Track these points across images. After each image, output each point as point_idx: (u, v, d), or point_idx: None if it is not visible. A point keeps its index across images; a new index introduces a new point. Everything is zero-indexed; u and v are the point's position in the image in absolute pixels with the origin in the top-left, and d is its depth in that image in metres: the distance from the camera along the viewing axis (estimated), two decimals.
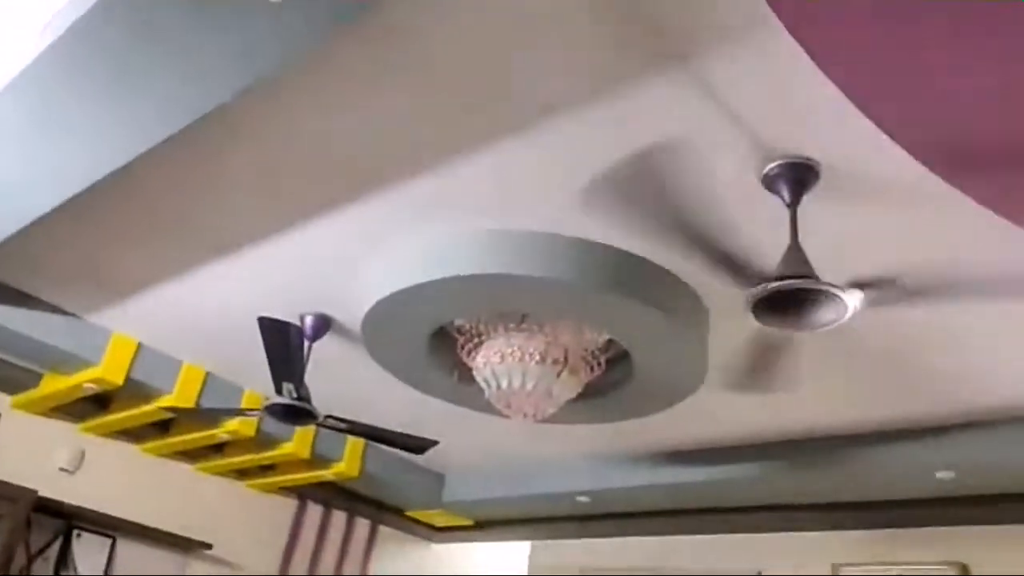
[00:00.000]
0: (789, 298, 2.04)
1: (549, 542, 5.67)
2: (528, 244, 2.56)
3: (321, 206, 2.58)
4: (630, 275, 2.60)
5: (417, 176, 2.37)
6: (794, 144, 2.06)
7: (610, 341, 2.98)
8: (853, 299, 1.99)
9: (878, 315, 2.17)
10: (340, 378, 3.67)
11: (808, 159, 2.09)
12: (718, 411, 3.59)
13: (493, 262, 2.57)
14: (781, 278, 2.05)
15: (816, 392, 3.32)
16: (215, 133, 2.23)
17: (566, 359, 2.89)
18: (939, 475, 3.60)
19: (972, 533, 4.09)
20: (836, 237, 2.32)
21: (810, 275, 2.03)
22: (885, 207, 2.22)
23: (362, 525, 5.51)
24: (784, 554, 4.68)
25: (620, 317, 2.71)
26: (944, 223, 2.23)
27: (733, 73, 1.85)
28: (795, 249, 2.10)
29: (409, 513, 5.51)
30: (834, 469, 3.78)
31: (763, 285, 2.03)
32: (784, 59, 1.73)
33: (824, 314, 2.04)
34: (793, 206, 2.14)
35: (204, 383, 3.88)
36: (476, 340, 2.96)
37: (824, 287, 1.99)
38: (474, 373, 3.01)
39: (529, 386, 2.87)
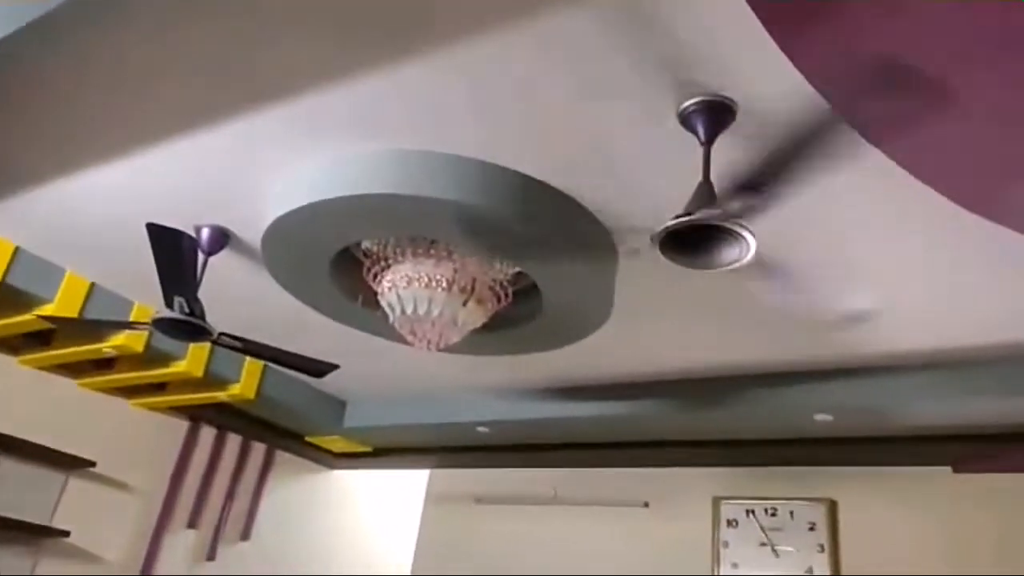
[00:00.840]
0: (696, 235, 2.05)
1: (447, 471, 5.73)
2: (437, 166, 2.46)
3: (223, 114, 2.39)
4: (541, 205, 2.55)
5: (323, 91, 2.23)
6: (714, 83, 2.04)
7: (519, 273, 2.95)
8: (750, 243, 2.01)
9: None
10: (238, 296, 3.52)
11: (726, 98, 2.08)
12: (615, 348, 3.65)
13: (399, 182, 2.47)
14: (688, 213, 2.05)
15: (707, 333, 3.42)
16: (97, 20, 2.02)
17: (473, 288, 2.85)
18: (818, 418, 3.80)
19: (843, 473, 4.37)
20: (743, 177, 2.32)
21: (717, 212, 2.04)
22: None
23: (258, 450, 5.41)
24: (669, 487, 4.90)
25: (529, 248, 2.67)
26: (850, 179, 2.28)
27: (663, 8, 1.80)
28: (705, 186, 2.09)
29: (308, 439, 5.44)
30: (720, 409, 3.93)
31: (672, 220, 2.04)
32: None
33: (728, 252, 2.06)
34: (707, 144, 2.13)
35: (89, 293, 3.64)
36: (383, 264, 2.87)
37: (728, 224, 2.00)
38: (379, 298, 2.93)
39: (435, 313, 2.82)
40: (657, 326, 3.41)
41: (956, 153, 1.85)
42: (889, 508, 4.19)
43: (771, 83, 1.96)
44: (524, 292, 3.01)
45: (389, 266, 2.85)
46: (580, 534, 4.96)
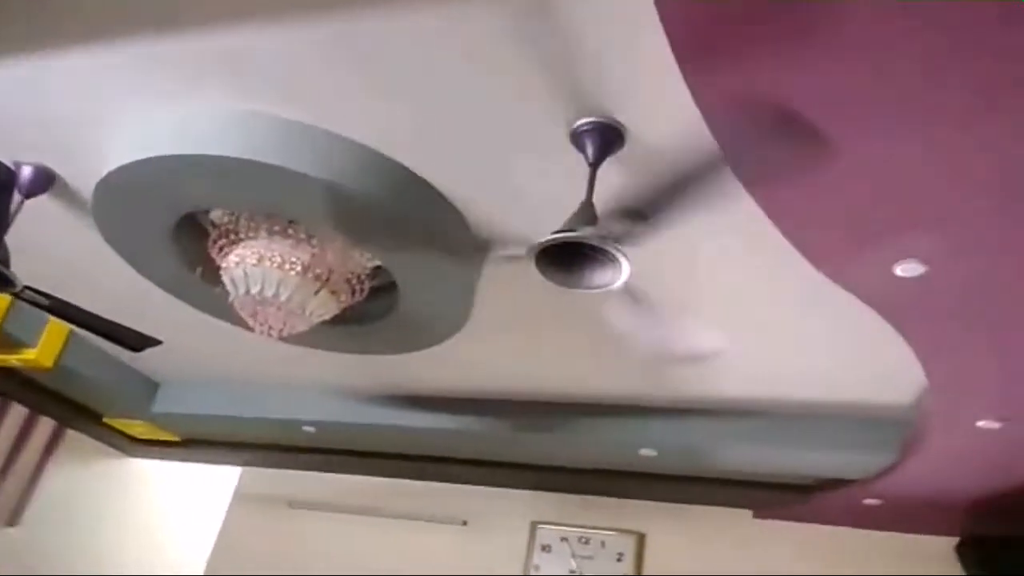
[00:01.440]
0: (572, 253, 2.04)
1: (262, 470, 5.37)
2: (311, 140, 2.29)
3: (70, 40, 2.11)
4: (416, 202, 2.45)
5: (197, 32, 2.02)
6: (608, 107, 2.04)
7: (378, 268, 2.82)
8: (624, 268, 2.02)
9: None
10: (55, 248, 3.12)
11: (617, 123, 2.09)
12: (461, 361, 3.58)
13: (263, 149, 2.27)
14: (566, 230, 2.03)
15: (556, 356, 3.44)
16: None
17: (329, 277, 2.68)
18: (642, 452, 3.92)
19: (655, 507, 4.53)
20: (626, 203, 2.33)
21: (595, 232, 2.03)
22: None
23: (45, 425, 4.81)
24: (490, 507, 4.86)
25: (396, 244, 2.55)
26: (720, 222, 2.36)
27: (573, 23, 1.78)
28: (587, 206, 2.08)
29: (107, 420, 4.91)
30: (552, 433, 3.96)
31: (550, 236, 2.01)
32: (619, 23, 1.70)
33: (601, 275, 2.05)
34: (594, 166, 2.13)
35: None
36: (232, 237, 2.64)
37: (605, 245, 1.99)
38: (222, 272, 2.69)
39: (283, 297, 2.62)
40: (509, 343, 3.38)
41: (817, 210, 1.95)
42: (693, 545, 4.38)
43: (664, 116, 2.00)
44: (381, 289, 2.87)
45: (240, 240, 2.62)
46: (396, 548, 4.81)
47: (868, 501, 3.75)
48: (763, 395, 3.47)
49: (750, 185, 1.91)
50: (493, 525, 4.81)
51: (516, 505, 4.81)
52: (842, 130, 1.66)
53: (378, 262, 2.77)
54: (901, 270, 2.07)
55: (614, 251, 1.98)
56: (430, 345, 3.13)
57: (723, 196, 1.88)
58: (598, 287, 2.07)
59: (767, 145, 1.73)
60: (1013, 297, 2.12)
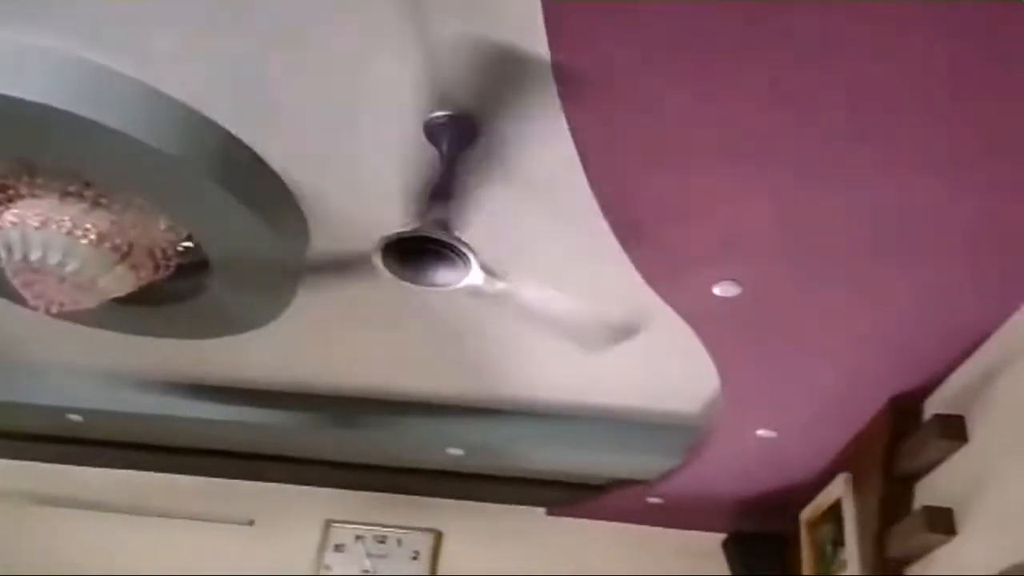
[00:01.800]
0: (418, 250, 1.96)
1: (15, 463, 4.64)
2: (114, 87, 2.01)
3: None
4: (243, 175, 2.23)
5: None
6: (466, 101, 1.99)
7: (190, 247, 2.54)
8: (475, 270, 1.98)
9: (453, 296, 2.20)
10: None
11: (474, 118, 2.04)
12: (259, 350, 3.34)
13: (55, 92, 1.95)
14: (415, 226, 1.96)
15: (365, 352, 3.32)
16: None
17: (130, 250, 2.37)
18: (449, 451, 3.91)
19: (452, 505, 4.53)
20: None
21: (441, 229, 1.97)
22: (530, 202, 2.30)
23: None
24: (280, 505, 4.59)
25: (211, 217, 2.30)
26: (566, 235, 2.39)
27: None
28: (439, 200, 2.02)
29: None
30: (355, 430, 3.83)
31: (399, 230, 1.92)
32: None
33: (448, 274, 2.00)
34: (447, 160, 2.06)
35: None
36: (11, 192, 2.24)
37: (455, 243, 1.94)
38: None
39: (70, 268, 2.27)
40: (316, 335, 3.21)
41: (654, 232, 2.04)
42: (488, 543, 4.44)
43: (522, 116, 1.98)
44: (189, 268, 2.59)
45: (21, 197, 2.23)
46: (170, 549, 4.37)
47: (652, 500, 4.03)
48: (567, 399, 3.58)
49: (605, 210, 1.97)
50: (283, 524, 4.54)
51: (310, 503, 4.58)
52: (683, 171, 1.76)
53: (190, 238, 2.50)
54: (719, 290, 2.24)
55: (462, 247, 1.93)
56: (240, 332, 2.88)
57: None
58: (444, 285, 2.01)
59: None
60: (808, 322, 2.36)
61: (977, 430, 2.37)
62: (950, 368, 2.53)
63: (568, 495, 4.32)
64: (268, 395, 3.83)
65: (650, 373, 3.26)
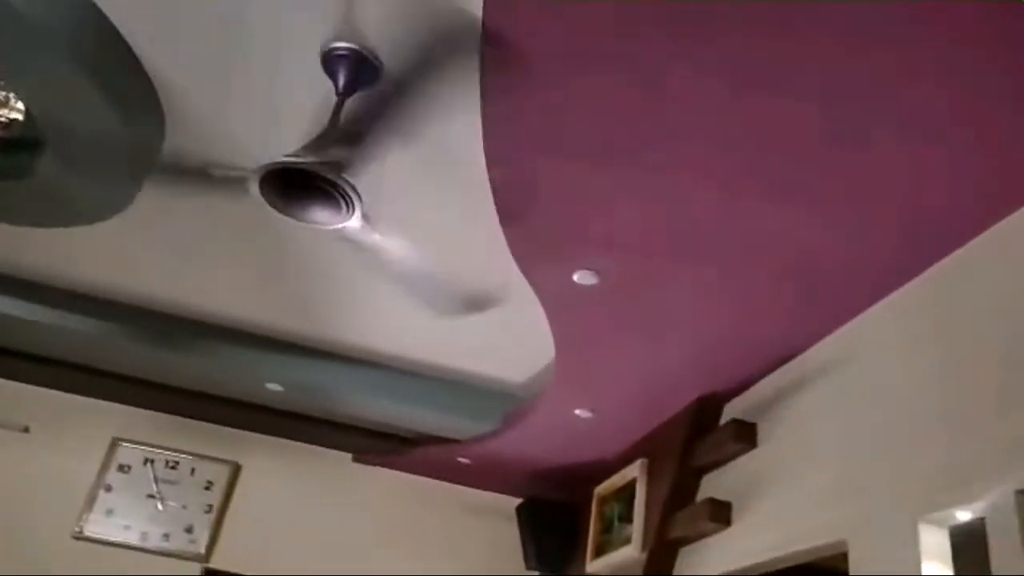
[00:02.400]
0: (300, 184, 1.88)
1: None
2: None
3: None
4: (98, 48, 2.00)
5: None
6: (367, 35, 1.92)
7: (19, 120, 2.25)
8: (355, 215, 1.94)
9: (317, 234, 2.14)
10: None
11: (376, 57, 1.97)
12: (82, 248, 3.05)
13: None
14: (295, 156, 1.88)
15: (203, 273, 3.14)
16: None
17: None
18: (269, 386, 3.79)
19: (257, 440, 4.41)
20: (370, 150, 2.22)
21: (328, 164, 1.90)
22: (421, 162, 2.26)
23: None
24: (62, 416, 4.24)
25: (58, 89, 2.04)
26: (449, 202, 2.38)
27: None
28: (327, 137, 1.94)
29: None
30: (173, 351, 3.61)
31: (281, 158, 1.83)
32: None
33: (321, 213, 1.93)
34: (342, 96, 1.99)
35: None
36: None
37: (340, 181, 1.88)
38: None
39: None
40: (156, 245, 2.97)
41: (526, 222, 2.10)
42: (289, 481, 4.37)
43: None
44: (18, 144, 2.29)
45: None
46: None
47: (461, 459, 4.16)
48: (398, 352, 3.59)
49: (493, 184, 1.99)
50: (64, 436, 4.20)
51: (98, 417, 4.27)
52: (571, 161, 1.82)
53: (20, 111, 2.22)
54: (578, 277, 2.35)
55: (350, 192, 1.88)
56: (66, 224, 2.60)
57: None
58: (318, 223, 1.94)
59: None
60: (647, 319, 2.54)
61: (765, 439, 2.68)
62: (753, 380, 2.83)
63: (377, 445, 4.35)
64: (84, 299, 3.50)
65: (485, 340, 3.34)
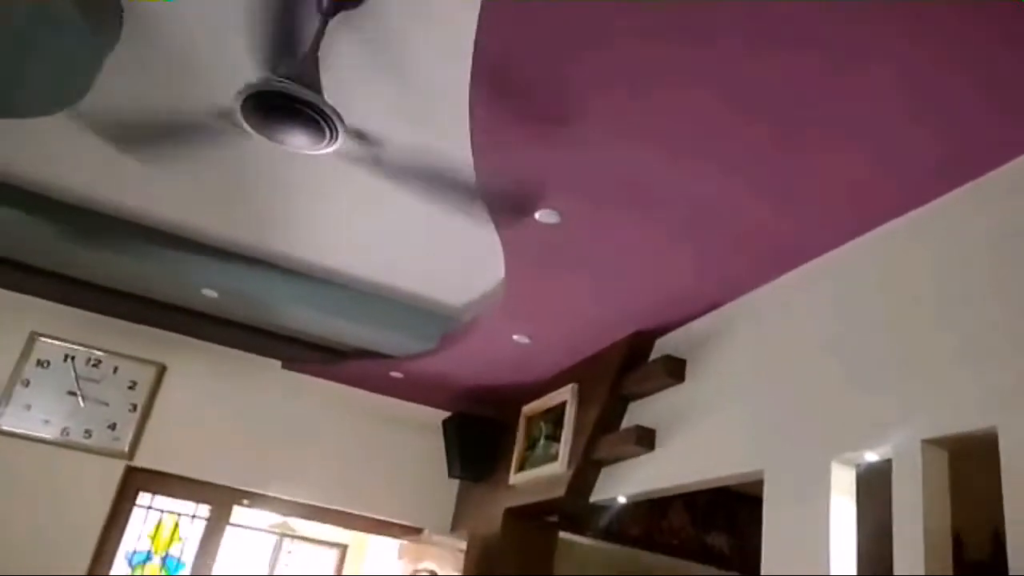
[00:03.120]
0: (281, 105, 1.86)
1: None
2: None
3: None
4: None
5: None
6: None
7: None
8: (338, 138, 1.93)
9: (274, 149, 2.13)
10: None
11: None
12: (28, 144, 2.89)
13: None
14: (280, 80, 1.85)
15: (150, 172, 3.02)
16: None
17: None
18: (205, 291, 3.74)
19: (184, 343, 4.36)
20: (350, 73, 2.18)
21: (310, 88, 1.89)
22: (394, 76, 2.24)
23: None
24: None
25: None
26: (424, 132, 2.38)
27: None
28: (310, 59, 1.91)
29: None
30: (110, 251, 3.48)
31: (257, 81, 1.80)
32: None
33: (305, 138, 1.92)
34: (326, 16, 1.95)
35: None
36: None
37: (323, 106, 1.87)
38: None
39: None
40: (96, 144, 2.84)
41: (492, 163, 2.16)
42: (216, 385, 4.37)
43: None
44: None
45: None
46: None
47: (394, 374, 4.26)
48: (341, 268, 3.60)
49: (473, 119, 2.01)
50: None
51: (16, 311, 4.11)
52: (556, 104, 1.88)
53: None
54: (540, 215, 2.43)
55: (331, 114, 1.87)
56: (11, 116, 2.45)
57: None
58: (298, 148, 1.93)
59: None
60: (599, 258, 2.67)
61: (693, 375, 2.91)
62: (686, 320, 3.03)
63: (311, 355, 4.39)
64: (15, 190, 3.31)
65: (430, 262, 3.40)
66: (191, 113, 2.45)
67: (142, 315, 4.21)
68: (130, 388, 4.27)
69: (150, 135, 2.59)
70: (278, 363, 4.54)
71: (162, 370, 4.34)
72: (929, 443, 1.78)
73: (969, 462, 1.71)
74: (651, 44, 1.67)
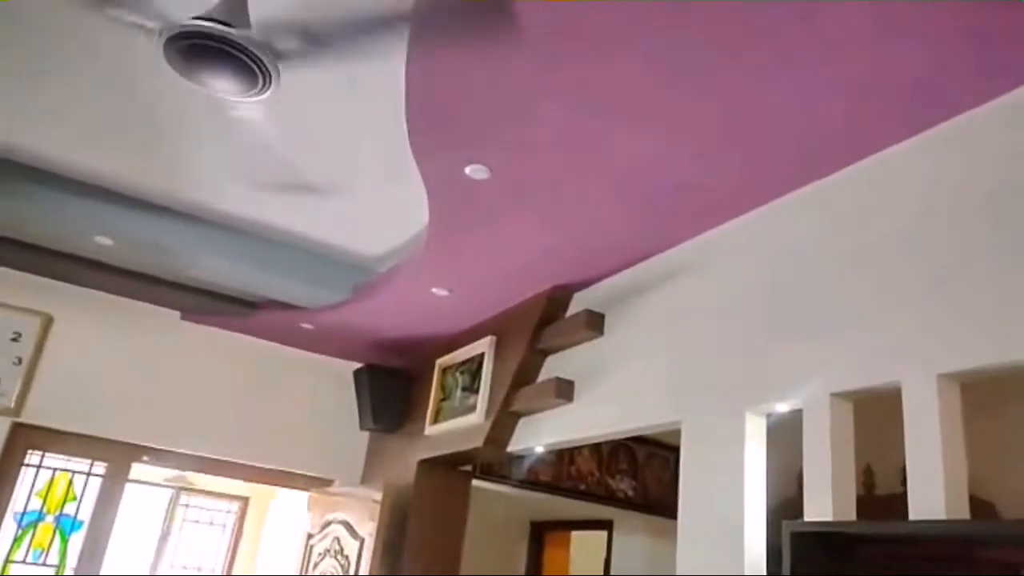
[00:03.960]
0: (209, 48, 1.76)
1: None
2: None
3: None
4: None
5: None
6: None
7: None
8: (271, 85, 1.85)
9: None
10: None
11: None
12: None
13: None
14: (210, 19, 1.75)
15: (49, 105, 2.79)
16: None
17: None
18: (98, 239, 3.52)
19: (73, 291, 4.11)
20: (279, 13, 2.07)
21: (236, 27, 1.79)
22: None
23: None
24: None
25: None
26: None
27: None
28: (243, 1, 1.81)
29: None
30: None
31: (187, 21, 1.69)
32: None
33: (233, 83, 1.83)
34: None
35: None
36: None
37: (250, 49, 1.78)
38: None
39: None
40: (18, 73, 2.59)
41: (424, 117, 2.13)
42: (109, 336, 4.16)
43: None
44: None
45: None
46: None
47: (304, 325, 4.19)
48: (247, 214, 3.46)
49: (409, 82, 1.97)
50: None
51: None
52: (490, 64, 1.87)
53: None
54: (470, 170, 2.43)
55: (264, 59, 1.79)
56: None
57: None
58: (232, 94, 1.84)
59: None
60: (523, 216, 2.70)
61: (611, 328, 3.01)
62: (604, 276, 3.12)
63: (216, 306, 4.24)
64: None
65: (345, 210, 3.32)
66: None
67: (27, 262, 3.93)
68: (14, 340, 4.00)
69: (43, 62, 2.37)
70: (177, 314, 4.37)
71: (48, 321, 4.08)
72: (837, 396, 1.94)
73: (880, 404, 1.87)
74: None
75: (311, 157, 2.90)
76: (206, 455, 4.35)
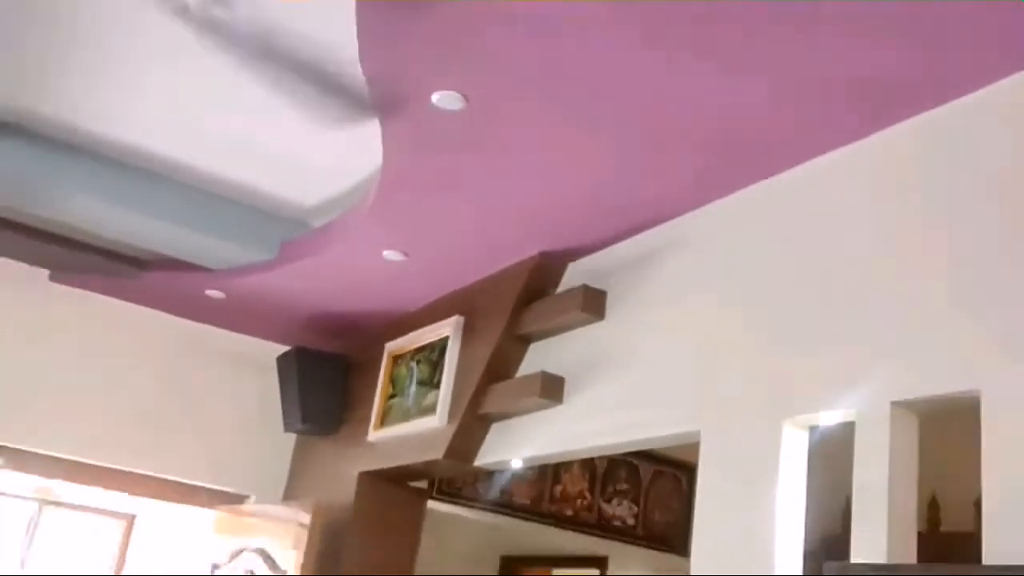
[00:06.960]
0: None
1: None
2: None
3: None
4: None
5: None
6: None
7: None
8: None
9: None
10: None
11: None
12: None
13: None
14: None
15: None
16: None
17: None
18: None
19: None
20: None
21: None
22: None
23: None
24: None
25: None
26: None
27: None
28: None
29: None
30: None
31: None
32: None
33: None
34: None
35: None
36: None
37: None
38: None
39: None
40: None
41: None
42: None
43: None
44: None
45: None
46: None
47: (211, 292, 4.20)
48: (146, 147, 3.47)
49: None
50: None
51: None
52: None
53: None
54: (438, 98, 2.45)
55: None
56: None
57: None
58: None
59: None
60: (504, 155, 2.73)
61: (614, 310, 3.06)
62: (608, 242, 3.16)
63: (93, 262, 4.23)
64: None
65: (272, 145, 3.34)
66: None
67: None
68: None
69: None
70: (45, 272, 4.36)
71: None
72: (899, 405, 2.01)
73: (949, 421, 1.94)
74: None
75: (228, 73, 2.90)
76: (79, 459, 4.38)
